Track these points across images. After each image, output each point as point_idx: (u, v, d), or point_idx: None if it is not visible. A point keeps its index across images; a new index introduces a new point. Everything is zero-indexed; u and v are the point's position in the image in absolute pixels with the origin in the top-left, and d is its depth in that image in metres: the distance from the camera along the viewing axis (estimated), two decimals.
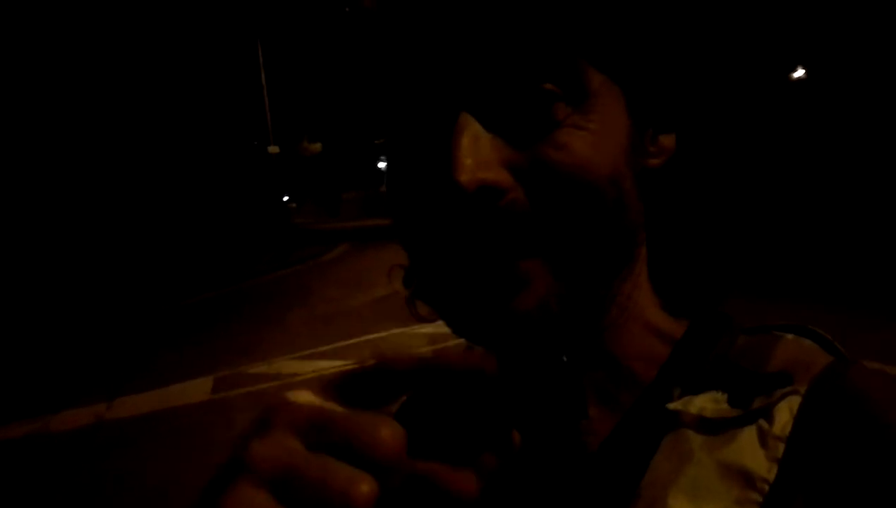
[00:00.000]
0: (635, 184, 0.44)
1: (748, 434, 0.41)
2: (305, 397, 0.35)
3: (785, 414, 0.41)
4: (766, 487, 0.39)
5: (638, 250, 0.47)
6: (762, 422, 0.41)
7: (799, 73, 13.56)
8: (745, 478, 0.39)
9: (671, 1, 0.45)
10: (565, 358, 0.43)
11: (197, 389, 6.43)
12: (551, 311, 0.43)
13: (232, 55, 22.17)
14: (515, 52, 0.41)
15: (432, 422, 0.36)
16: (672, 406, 0.43)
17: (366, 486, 0.29)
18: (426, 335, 7.44)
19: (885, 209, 10.27)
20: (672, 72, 0.45)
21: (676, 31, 0.45)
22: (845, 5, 12.45)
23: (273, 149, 22.67)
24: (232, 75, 22.13)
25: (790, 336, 0.47)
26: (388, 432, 0.30)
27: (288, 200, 34.81)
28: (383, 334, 7.85)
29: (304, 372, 6.62)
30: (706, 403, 0.43)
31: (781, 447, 0.40)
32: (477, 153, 0.40)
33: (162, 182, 19.04)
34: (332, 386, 0.36)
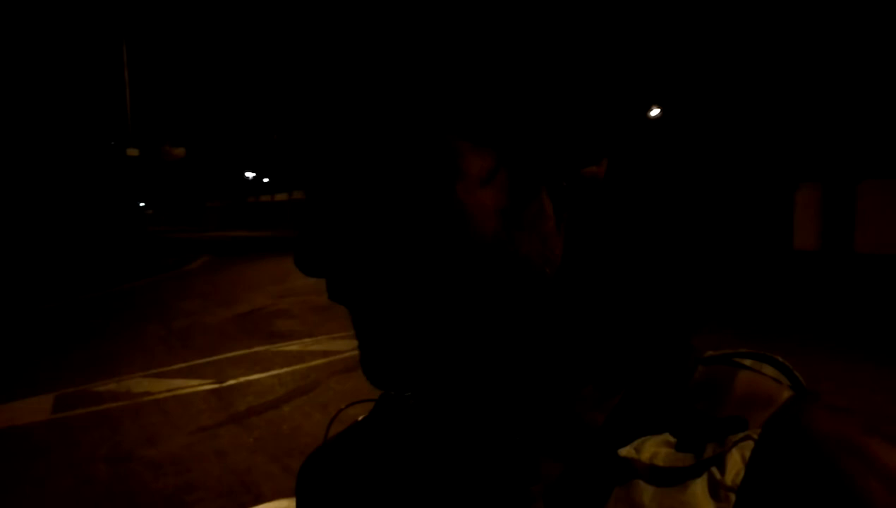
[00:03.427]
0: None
1: (700, 485, 0.40)
2: None
3: (737, 462, 0.40)
4: None
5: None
6: (714, 471, 0.40)
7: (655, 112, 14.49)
8: None
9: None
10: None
11: (36, 407, 5.93)
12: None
13: (93, 49, 20.89)
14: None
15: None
16: (624, 452, 0.42)
17: None
18: (292, 353, 7.28)
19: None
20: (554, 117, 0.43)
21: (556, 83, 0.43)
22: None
23: (132, 151, 21.51)
24: (92, 70, 20.83)
25: (749, 362, 0.46)
26: None
27: (144, 206, 33.18)
28: (246, 352, 7.59)
29: (157, 391, 6.27)
30: (658, 447, 0.42)
31: (733, 498, 0.39)
32: None
33: (5, 180, 17.57)
34: None
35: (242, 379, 6.48)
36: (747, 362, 0.46)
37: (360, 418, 0.57)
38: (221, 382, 6.44)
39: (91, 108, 20.75)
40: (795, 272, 11.52)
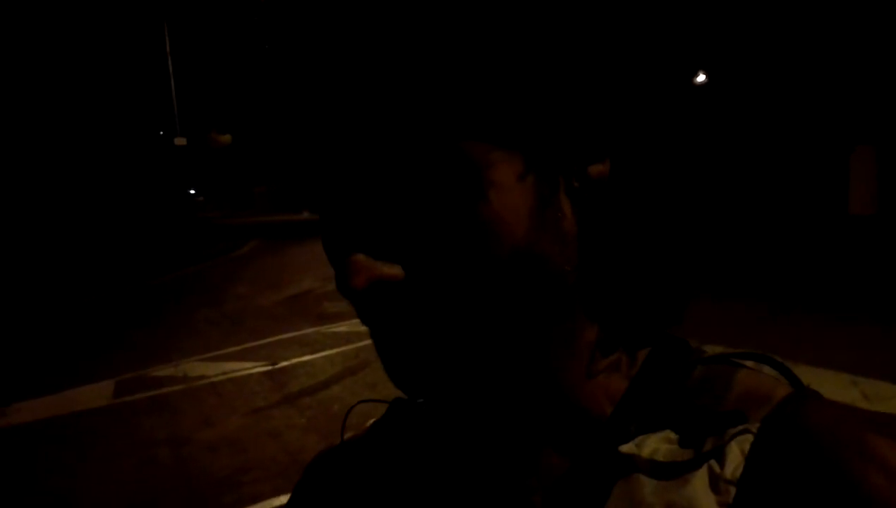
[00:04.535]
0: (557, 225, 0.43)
1: (700, 478, 0.40)
2: None
3: (736, 455, 0.40)
4: None
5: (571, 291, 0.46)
6: (713, 464, 0.40)
7: (701, 77, 14.21)
8: None
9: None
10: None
11: (97, 393, 6.14)
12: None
13: (138, 41, 21.28)
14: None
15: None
16: (625, 449, 0.43)
17: None
18: (341, 334, 7.38)
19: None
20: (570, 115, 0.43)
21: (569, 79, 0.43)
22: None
23: (180, 140, 21.95)
24: (137, 62, 21.24)
25: (749, 363, 0.47)
26: None
27: (195, 194, 33.83)
28: (296, 334, 7.72)
29: (211, 375, 6.43)
30: (659, 444, 0.42)
31: (732, 491, 0.39)
32: None
33: (61, 174, 18.11)
34: None
35: (294, 361, 6.60)
36: (747, 362, 0.47)
37: (370, 422, 0.57)
38: (274, 364, 6.57)
39: (138, 100, 21.18)
40: (850, 238, 11.18)
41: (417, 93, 0.39)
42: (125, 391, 6.17)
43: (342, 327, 7.65)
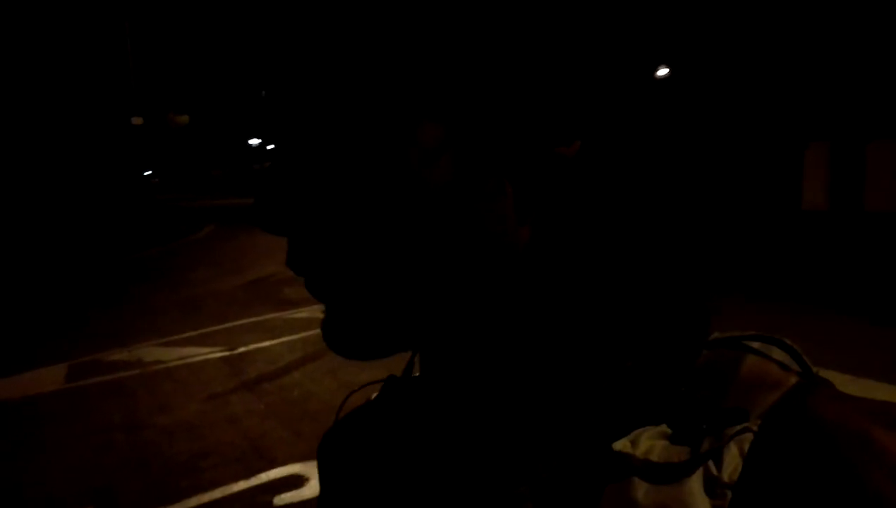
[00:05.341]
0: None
1: (696, 481, 0.38)
2: None
3: (735, 456, 0.38)
4: None
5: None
6: (711, 466, 0.39)
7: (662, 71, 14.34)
8: None
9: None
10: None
11: (50, 377, 6.01)
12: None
13: (95, 17, 20.71)
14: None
15: None
16: (618, 446, 0.41)
17: None
18: (301, 320, 7.33)
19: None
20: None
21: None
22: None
23: (136, 119, 21.47)
24: (95, 39, 20.68)
25: (756, 345, 0.45)
26: None
27: (151, 175, 33.13)
28: (255, 319, 7.66)
29: (168, 360, 6.35)
30: (655, 440, 0.41)
31: (729, 494, 0.38)
32: None
33: (11, 154, 17.57)
34: None
35: (253, 347, 6.55)
36: (755, 345, 0.45)
37: (373, 396, 0.58)
38: (232, 349, 6.51)
39: (95, 78, 20.64)
40: (804, 232, 11.48)
41: (356, 54, 0.40)
42: (79, 375, 6.06)
43: (303, 313, 7.61)
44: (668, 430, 0.41)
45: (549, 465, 0.43)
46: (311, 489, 3.61)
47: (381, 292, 0.42)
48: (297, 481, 3.73)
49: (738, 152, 14.12)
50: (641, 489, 0.39)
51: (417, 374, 0.52)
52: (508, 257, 0.43)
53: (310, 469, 3.82)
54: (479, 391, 0.46)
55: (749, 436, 0.39)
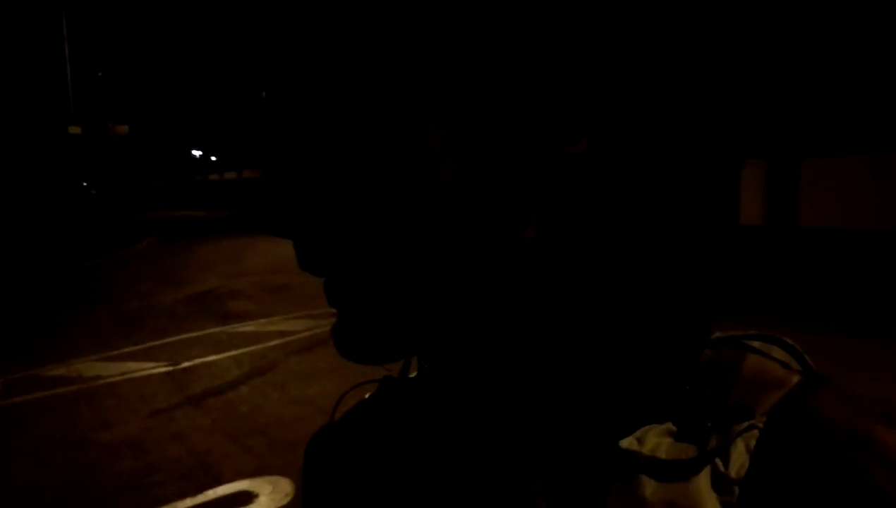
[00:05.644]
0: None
1: (703, 478, 0.39)
2: None
3: (741, 453, 0.39)
4: None
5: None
6: (718, 463, 0.39)
7: None
8: None
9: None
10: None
11: None
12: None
13: (33, 24, 20.11)
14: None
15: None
16: (625, 444, 0.41)
17: None
18: (247, 334, 7.22)
19: None
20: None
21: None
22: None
23: (74, 129, 20.86)
24: (30, 45, 20.07)
25: (757, 344, 0.46)
26: None
27: (87, 186, 32.18)
28: (199, 333, 7.50)
29: (109, 375, 6.16)
30: (661, 438, 0.41)
31: (737, 490, 0.39)
32: None
33: None
34: None
35: (198, 361, 6.41)
36: (756, 344, 0.46)
37: (367, 395, 0.58)
38: (176, 364, 6.36)
39: (31, 85, 20.01)
40: (742, 246, 11.81)
41: (368, 62, 0.41)
42: (15, 391, 5.84)
43: (249, 327, 7.49)
44: (674, 428, 0.42)
45: (560, 462, 0.43)
46: (261, 506, 3.56)
47: (391, 292, 0.42)
48: (245, 497, 3.67)
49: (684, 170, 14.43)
50: (649, 486, 0.40)
51: (414, 375, 0.53)
52: (515, 255, 0.43)
53: (258, 485, 3.76)
54: (488, 390, 0.46)
55: (755, 433, 0.40)
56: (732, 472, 0.39)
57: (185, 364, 6.37)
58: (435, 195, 0.41)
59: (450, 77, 0.41)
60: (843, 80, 12.72)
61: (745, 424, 0.40)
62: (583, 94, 0.45)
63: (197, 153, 49.80)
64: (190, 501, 3.68)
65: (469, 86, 0.41)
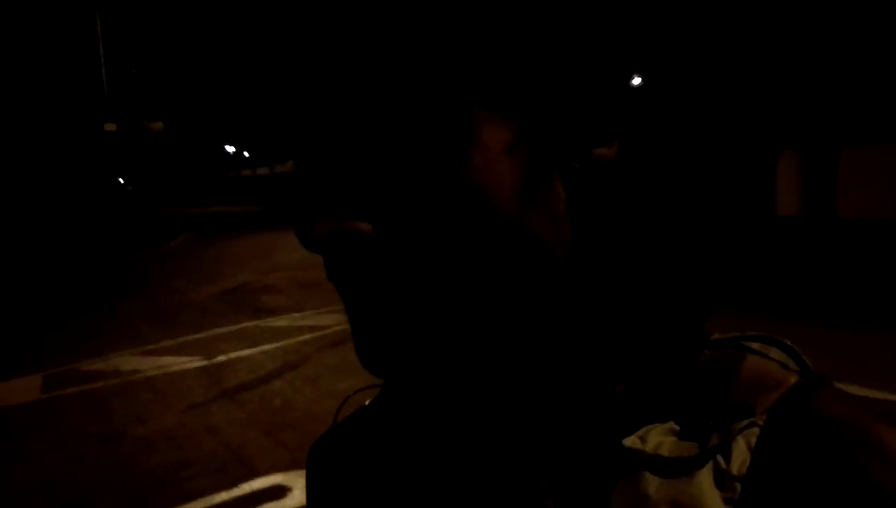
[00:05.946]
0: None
1: (705, 474, 0.39)
2: None
3: (743, 450, 0.40)
4: None
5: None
6: (720, 460, 0.40)
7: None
8: None
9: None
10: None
11: (24, 388, 5.92)
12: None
13: (69, 23, 20.48)
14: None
15: None
16: (628, 442, 0.42)
17: None
18: (280, 328, 7.28)
19: None
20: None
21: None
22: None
23: (109, 126, 21.22)
24: (66, 44, 20.44)
25: (756, 345, 0.46)
26: None
27: (124, 183, 32.74)
28: (233, 328, 7.58)
29: (145, 369, 6.27)
30: (664, 437, 0.41)
31: (739, 487, 0.39)
32: None
33: None
34: None
35: (232, 356, 6.48)
36: (754, 345, 0.46)
37: (367, 402, 0.57)
38: (210, 359, 6.44)
39: (67, 84, 20.39)
40: (778, 238, 11.63)
41: (415, 52, 0.39)
42: (54, 385, 5.96)
43: (281, 321, 7.55)
44: (676, 427, 0.42)
45: (566, 460, 0.43)
46: (294, 499, 3.58)
47: (427, 305, 0.41)
48: (279, 491, 3.70)
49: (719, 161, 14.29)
50: (653, 483, 0.40)
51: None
52: (555, 260, 0.42)
53: (292, 479, 3.78)
54: (497, 390, 0.46)
55: (756, 431, 0.40)
56: (734, 469, 0.39)
57: (220, 358, 6.45)
58: (487, 195, 0.39)
59: (505, 69, 0.40)
60: (882, 69, 12.43)
61: (746, 422, 0.41)
62: (616, 92, 0.44)
63: (230, 149, 50.39)
64: (225, 494, 3.72)
65: (528, 81, 0.41)
